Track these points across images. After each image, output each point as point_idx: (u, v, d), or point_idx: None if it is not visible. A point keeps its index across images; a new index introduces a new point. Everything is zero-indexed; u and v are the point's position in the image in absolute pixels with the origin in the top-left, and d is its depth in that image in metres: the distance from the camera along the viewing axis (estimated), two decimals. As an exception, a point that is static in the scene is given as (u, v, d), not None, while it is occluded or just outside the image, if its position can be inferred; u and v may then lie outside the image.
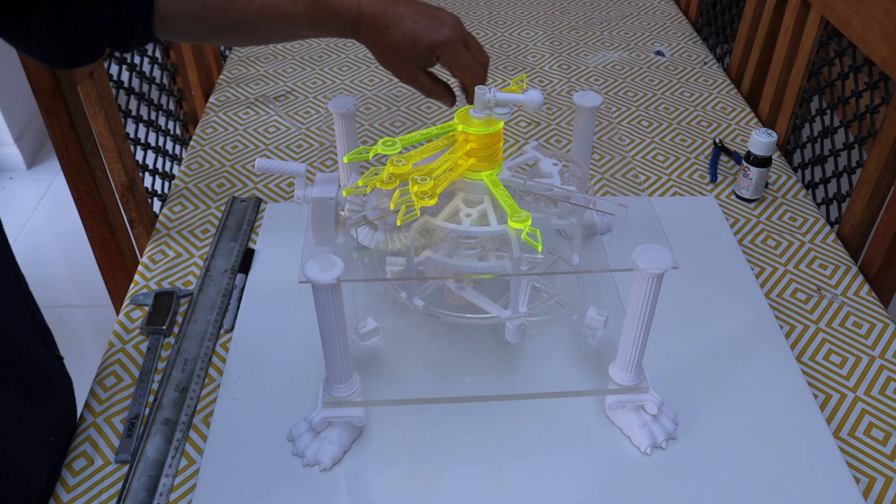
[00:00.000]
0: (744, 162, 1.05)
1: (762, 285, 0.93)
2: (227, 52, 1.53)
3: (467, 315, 0.73)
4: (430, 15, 0.68)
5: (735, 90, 1.33)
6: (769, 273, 0.95)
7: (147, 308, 0.87)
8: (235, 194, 1.06)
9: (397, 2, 0.67)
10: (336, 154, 1.13)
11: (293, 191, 0.81)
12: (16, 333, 0.65)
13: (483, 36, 1.51)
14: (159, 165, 1.18)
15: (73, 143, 0.92)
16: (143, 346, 0.84)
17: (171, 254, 0.96)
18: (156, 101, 1.21)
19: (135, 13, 0.63)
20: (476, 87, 0.66)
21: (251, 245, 0.97)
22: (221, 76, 1.36)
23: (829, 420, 0.77)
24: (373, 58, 1.44)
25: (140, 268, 0.94)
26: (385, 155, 0.66)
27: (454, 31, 0.68)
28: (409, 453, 0.72)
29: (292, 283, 0.88)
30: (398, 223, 0.64)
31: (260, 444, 0.72)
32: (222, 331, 0.85)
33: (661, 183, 1.10)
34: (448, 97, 0.72)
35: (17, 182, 2.29)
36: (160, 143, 1.22)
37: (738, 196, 1.07)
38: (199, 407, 0.77)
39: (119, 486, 0.70)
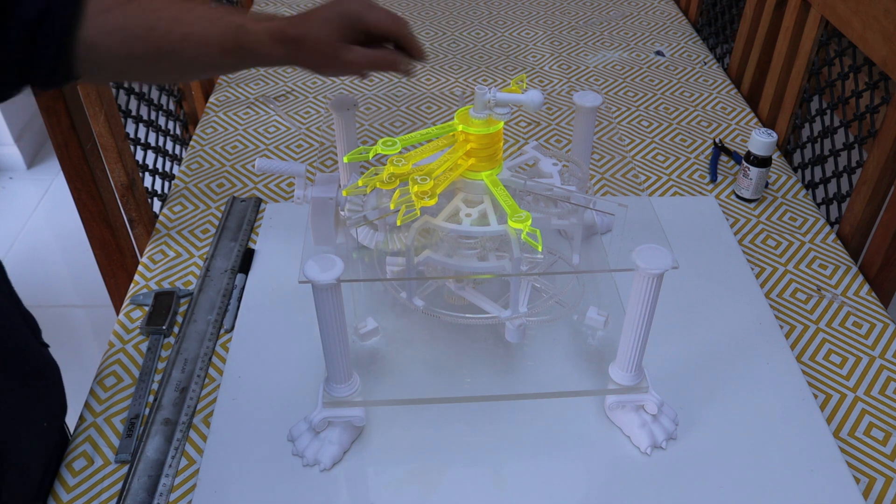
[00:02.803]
0: (744, 162, 1.05)
1: (762, 285, 0.93)
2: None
3: (467, 315, 0.73)
4: (328, 3, 0.68)
5: (735, 90, 1.33)
6: (769, 273, 0.95)
7: (147, 308, 0.87)
8: (235, 194, 1.06)
9: (304, 13, 0.67)
10: (336, 154, 1.13)
11: (293, 191, 0.81)
12: (4, 321, 0.65)
13: (483, 36, 1.51)
14: (159, 165, 1.18)
15: (73, 143, 0.92)
16: (143, 346, 0.84)
17: (171, 254, 0.96)
18: (156, 101, 1.21)
19: (48, 39, 0.59)
20: (476, 87, 0.66)
21: (251, 245, 0.97)
22: (221, 76, 1.36)
23: (829, 420, 0.77)
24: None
25: (140, 268, 0.94)
26: (385, 155, 0.66)
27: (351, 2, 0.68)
28: (409, 453, 0.72)
29: (292, 283, 0.88)
30: (398, 223, 0.64)
31: (260, 444, 0.72)
32: (222, 331, 0.85)
33: (661, 183, 1.10)
34: (398, 59, 0.69)
35: (17, 182, 2.29)
36: (160, 143, 1.22)
37: (738, 196, 1.07)
38: (199, 407, 0.77)
39: (119, 486, 0.70)
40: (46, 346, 0.75)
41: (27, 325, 0.71)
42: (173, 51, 0.63)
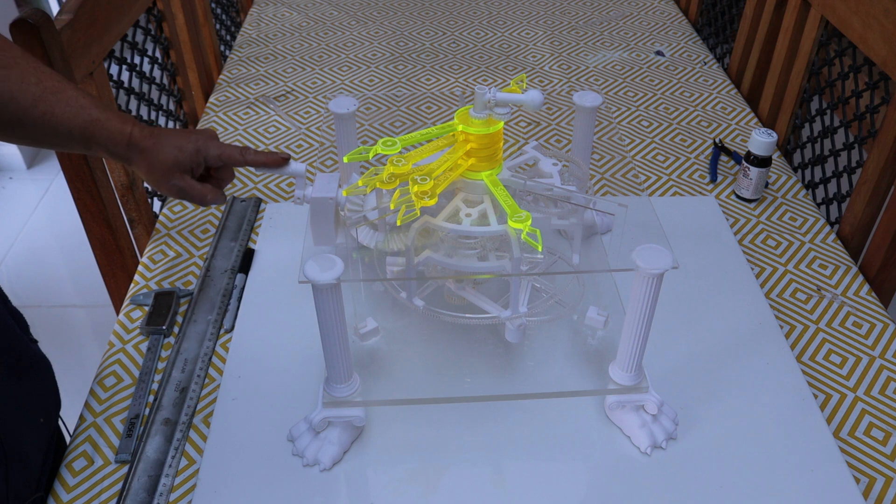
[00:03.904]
0: (744, 162, 1.05)
1: (762, 285, 0.93)
2: (227, 52, 1.53)
3: (467, 315, 0.73)
4: (191, 130, 0.74)
5: (735, 90, 1.33)
6: (769, 273, 0.95)
7: (147, 308, 0.87)
8: (235, 194, 1.06)
9: (161, 128, 0.72)
10: (336, 154, 1.13)
11: (293, 191, 0.81)
12: None
13: (483, 36, 1.51)
14: (159, 165, 1.17)
15: (73, 143, 0.92)
16: (143, 346, 0.84)
17: (171, 254, 0.96)
18: (156, 101, 1.21)
19: None
20: (476, 87, 0.66)
21: (251, 245, 0.97)
22: (221, 76, 1.36)
23: (829, 420, 0.77)
24: (373, 58, 1.45)
25: (140, 268, 0.94)
26: (385, 155, 0.66)
27: (211, 132, 0.74)
28: (409, 453, 0.72)
29: (292, 283, 0.88)
30: (398, 223, 0.64)
31: (260, 444, 0.72)
32: (222, 331, 0.85)
33: (661, 183, 1.10)
34: (220, 196, 0.75)
35: (17, 182, 2.29)
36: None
37: (738, 196, 1.07)
38: (199, 407, 0.77)
39: (119, 486, 0.70)
40: (35, 341, 0.75)
41: (15, 320, 0.72)
42: (31, 124, 0.66)
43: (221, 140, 0.75)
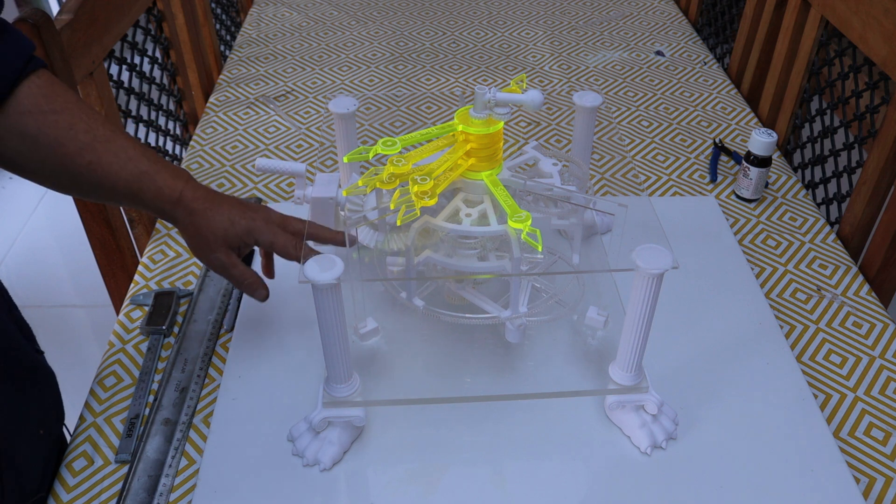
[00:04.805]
0: (744, 162, 1.05)
1: (762, 285, 0.93)
2: (227, 52, 1.53)
3: (467, 315, 0.73)
4: (247, 204, 0.71)
5: (735, 90, 1.33)
6: (769, 273, 0.95)
7: (147, 308, 0.87)
8: (235, 194, 1.06)
9: (216, 193, 0.69)
10: (336, 154, 1.13)
11: (293, 191, 0.81)
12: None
13: (483, 36, 1.51)
14: (159, 165, 1.18)
15: (73, 143, 0.92)
16: (143, 346, 0.84)
17: (171, 254, 0.96)
18: (156, 101, 1.21)
19: None
20: (476, 87, 0.66)
21: (251, 245, 0.97)
22: (221, 76, 1.36)
23: (829, 420, 0.77)
24: (373, 58, 1.44)
25: (140, 268, 0.94)
26: (385, 155, 0.66)
27: (268, 214, 0.71)
28: (409, 453, 0.72)
29: (292, 283, 0.88)
30: (398, 223, 0.64)
31: (260, 444, 0.72)
32: (222, 331, 0.85)
33: (661, 183, 1.10)
34: (261, 287, 0.72)
35: (17, 182, 2.29)
36: (160, 143, 1.22)
37: (738, 196, 1.07)
38: (199, 407, 0.77)
39: (119, 486, 0.70)
40: (41, 352, 0.75)
41: (20, 330, 0.71)
42: (77, 174, 0.64)
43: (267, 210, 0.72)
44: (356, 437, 0.73)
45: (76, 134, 0.63)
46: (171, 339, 0.84)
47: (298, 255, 0.69)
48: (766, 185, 1.09)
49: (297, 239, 0.70)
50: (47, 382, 0.73)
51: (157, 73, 1.24)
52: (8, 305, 0.70)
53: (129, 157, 0.65)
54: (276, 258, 0.77)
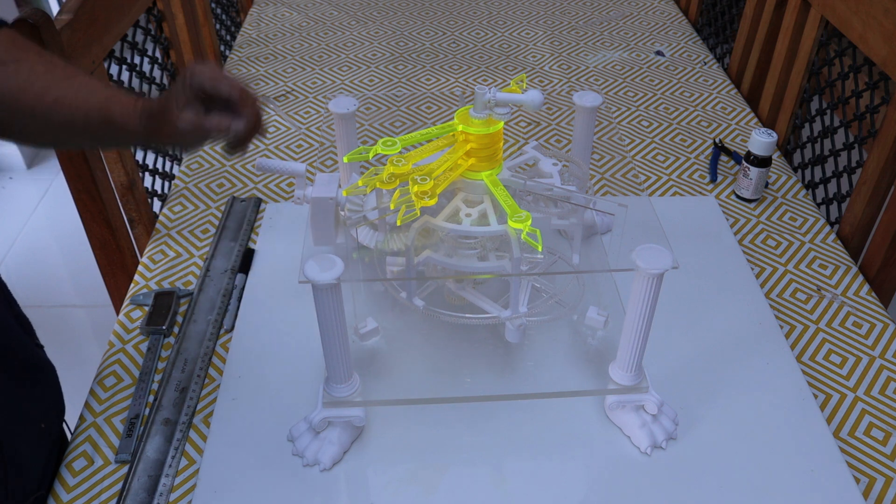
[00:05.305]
0: (744, 162, 1.05)
1: (762, 285, 0.93)
2: (227, 52, 1.53)
3: (467, 315, 0.73)
4: (183, 75, 0.66)
5: (735, 90, 1.33)
6: (769, 273, 0.95)
7: (147, 308, 0.87)
8: (235, 194, 1.06)
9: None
10: (336, 154, 1.13)
11: (293, 191, 0.81)
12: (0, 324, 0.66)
13: (483, 36, 1.51)
14: (159, 165, 1.18)
15: (73, 143, 0.92)
16: (143, 346, 0.84)
17: (171, 254, 0.96)
18: (156, 101, 1.21)
19: None
20: (476, 87, 0.66)
21: (251, 245, 0.97)
22: (221, 76, 1.36)
23: (829, 420, 0.77)
24: (373, 58, 1.45)
25: (140, 268, 0.94)
26: (385, 155, 0.66)
27: (202, 62, 0.67)
28: (409, 453, 0.72)
29: (292, 283, 0.88)
30: (398, 223, 0.64)
31: (260, 444, 0.72)
32: (222, 331, 0.85)
33: (661, 183, 1.10)
34: (229, 126, 0.64)
35: (17, 182, 2.29)
36: (160, 143, 1.22)
37: (738, 196, 1.07)
38: (199, 407, 0.77)
39: (119, 486, 0.70)
40: (41, 346, 0.75)
41: (21, 325, 0.71)
42: (45, 113, 0.63)
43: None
44: (356, 437, 0.73)
45: (36, 77, 0.63)
46: (171, 339, 0.84)
47: (230, 85, 0.63)
48: (766, 185, 1.09)
49: (230, 80, 0.64)
50: (48, 377, 0.73)
51: (157, 73, 1.24)
52: (8, 300, 0.71)
53: (92, 89, 0.65)
54: None
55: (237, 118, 0.63)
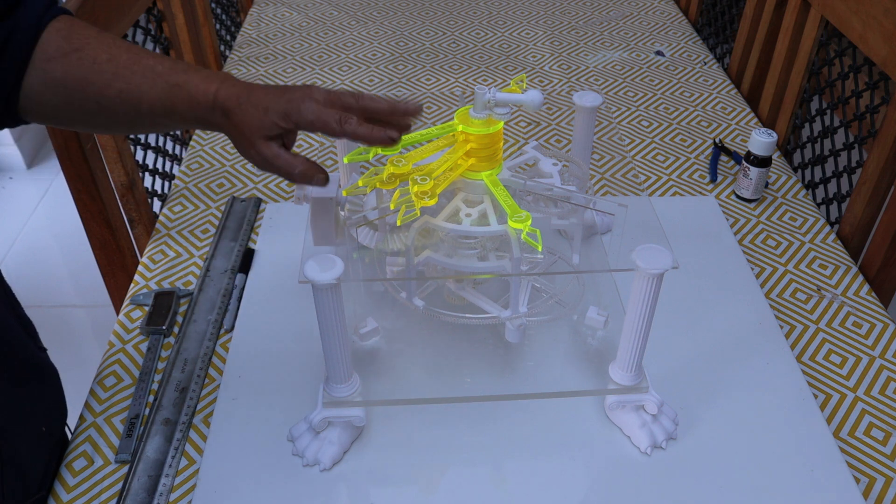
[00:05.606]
0: (744, 162, 1.05)
1: (762, 285, 0.93)
2: (227, 52, 1.53)
3: (467, 315, 0.73)
4: (283, 88, 0.64)
5: (735, 90, 1.33)
6: (769, 273, 0.95)
7: (147, 308, 0.87)
8: (235, 194, 1.06)
9: (252, 85, 0.63)
10: (336, 154, 1.13)
11: (293, 191, 0.81)
12: (1, 326, 0.66)
13: (483, 36, 1.51)
14: (159, 165, 1.18)
15: (73, 143, 0.92)
16: (143, 346, 0.84)
17: (171, 254, 0.96)
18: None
19: None
20: (476, 87, 0.66)
21: (251, 245, 0.97)
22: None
23: (829, 420, 0.77)
24: (373, 58, 1.45)
25: (140, 268, 0.94)
26: (385, 155, 0.66)
27: (310, 92, 0.62)
28: (409, 453, 0.72)
29: (292, 283, 0.88)
30: (398, 223, 0.64)
31: (260, 444, 0.72)
32: (222, 331, 0.85)
33: (661, 183, 1.10)
34: (318, 172, 0.63)
35: (17, 182, 2.29)
36: (160, 143, 1.22)
37: (738, 196, 1.07)
38: (199, 407, 0.77)
39: (119, 486, 0.70)
40: (44, 349, 0.75)
41: (23, 327, 0.71)
42: (111, 106, 0.62)
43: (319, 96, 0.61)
44: (356, 437, 0.73)
45: (100, 66, 0.61)
46: (171, 339, 0.84)
47: (345, 128, 0.60)
48: (766, 185, 1.09)
49: (342, 113, 0.61)
50: (50, 380, 0.73)
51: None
52: (11, 303, 0.70)
53: (157, 75, 0.62)
54: None
55: (313, 173, 0.63)
